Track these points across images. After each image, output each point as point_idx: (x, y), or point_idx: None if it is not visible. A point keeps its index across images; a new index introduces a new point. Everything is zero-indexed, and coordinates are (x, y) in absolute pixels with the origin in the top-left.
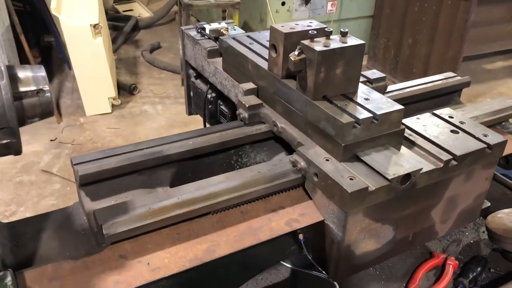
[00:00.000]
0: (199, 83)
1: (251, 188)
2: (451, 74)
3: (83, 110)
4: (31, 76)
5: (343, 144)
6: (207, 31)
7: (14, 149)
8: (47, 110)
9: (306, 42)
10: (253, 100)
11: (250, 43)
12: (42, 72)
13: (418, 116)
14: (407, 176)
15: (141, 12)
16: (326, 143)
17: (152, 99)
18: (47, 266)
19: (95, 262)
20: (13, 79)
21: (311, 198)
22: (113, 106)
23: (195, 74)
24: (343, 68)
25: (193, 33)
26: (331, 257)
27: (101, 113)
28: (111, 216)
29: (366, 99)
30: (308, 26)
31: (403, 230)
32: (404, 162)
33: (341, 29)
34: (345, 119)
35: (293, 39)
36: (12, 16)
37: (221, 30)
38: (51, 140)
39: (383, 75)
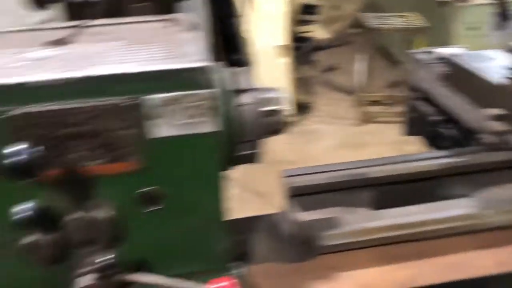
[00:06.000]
0: (422, 105)
1: None
2: None
3: None
4: (271, 98)
5: None
6: (438, 56)
7: (253, 159)
8: (277, 129)
9: None
10: (501, 126)
11: (482, 62)
12: (279, 95)
13: None
14: None
15: (320, 34)
16: None
17: (324, 119)
18: (268, 265)
19: (305, 269)
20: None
21: None
22: (289, 123)
23: (419, 97)
24: None
25: (421, 57)
26: None
27: None
28: (321, 229)
29: None
30: None
31: None
32: None
33: None
34: None
35: None
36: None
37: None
38: None
39: None
